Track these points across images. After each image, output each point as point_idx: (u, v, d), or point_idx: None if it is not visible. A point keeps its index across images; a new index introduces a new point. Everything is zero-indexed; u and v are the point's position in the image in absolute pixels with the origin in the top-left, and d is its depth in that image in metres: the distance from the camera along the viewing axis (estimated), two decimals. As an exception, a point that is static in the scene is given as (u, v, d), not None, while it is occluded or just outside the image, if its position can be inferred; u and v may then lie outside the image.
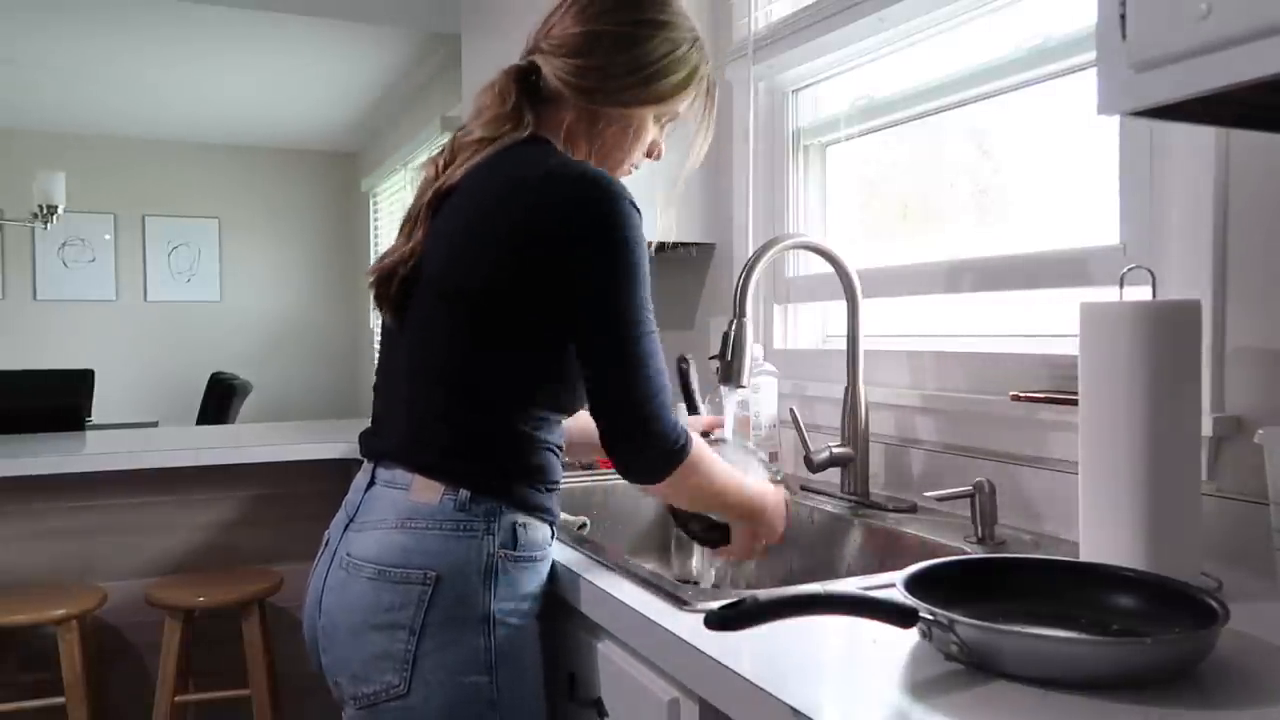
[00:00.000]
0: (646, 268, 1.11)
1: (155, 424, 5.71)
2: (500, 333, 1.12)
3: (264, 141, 6.67)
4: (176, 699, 2.24)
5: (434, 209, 1.18)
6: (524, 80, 1.20)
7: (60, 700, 2.14)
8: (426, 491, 1.11)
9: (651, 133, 1.26)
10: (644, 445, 1.10)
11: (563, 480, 1.21)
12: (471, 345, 1.12)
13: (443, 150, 1.23)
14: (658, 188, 1.52)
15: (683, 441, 1.11)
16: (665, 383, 1.11)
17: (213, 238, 6.71)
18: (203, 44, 4.52)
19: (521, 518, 1.13)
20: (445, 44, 4.36)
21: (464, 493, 1.11)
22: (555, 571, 1.21)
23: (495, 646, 1.09)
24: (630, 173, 1.28)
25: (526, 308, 1.10)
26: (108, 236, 6.46)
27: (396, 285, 1.18)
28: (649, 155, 1.29)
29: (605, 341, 1.09)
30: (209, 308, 6.72)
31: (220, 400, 5.51)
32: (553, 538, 1.20)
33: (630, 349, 1.08)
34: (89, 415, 4.84)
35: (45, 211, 4.90)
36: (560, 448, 1.20)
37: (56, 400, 4.14)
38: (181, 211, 6.63)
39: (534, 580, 1.15)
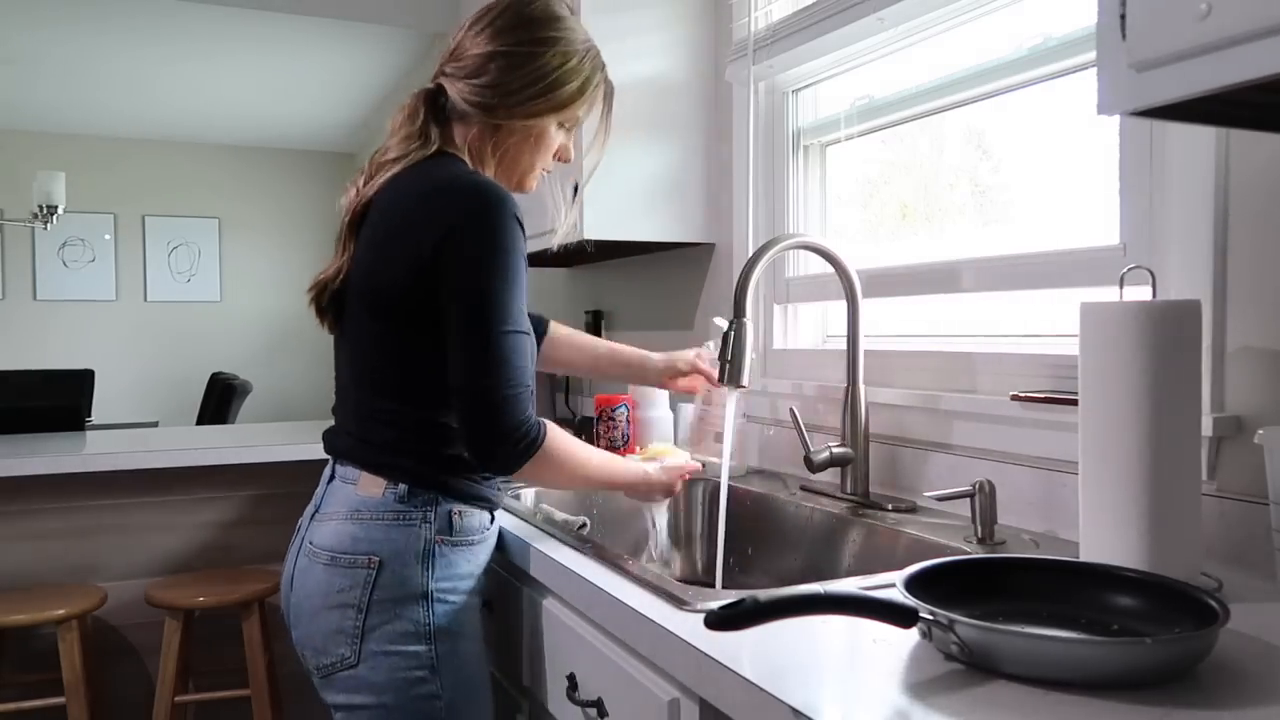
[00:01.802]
0: (522, 274, 1.20)
1: (155, 424, 5.71)
2: (419, 335, 1.21)
3: (264, 141, 6.67)
4: (176, 699, 2.24)
5: (356, 225, 1.29)
6: (433, 102, 1.31)
7: (60, 700, 2.14)
8: (372, 486, 1.24)
9: (557, 139, 1.36)
10: (496, 437, 1.18)
11: None
12: (397, 348, 1.23)
13: (363, 170, 1.33)
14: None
15: (534, 434, 1.20)
16: (525, 380, 1.19)
17: (213, 238, 6.71)
18: (203, 44, 4.51)
19: (459, 506, 1.26)
20: (445, 44, 4.36)
21: (403, 487, 1.23)
22: (558, 572, 1.21)
23: (433, 621, 1.22)
24: (541, 176, 1.39)
25: (436, 309, 1.20)
26: (108, 236, 6.45)
27: (328, 298, 1.30)
28: (558, 159, 1.39)
29: (471, 333, 1.17)
30: (209, 308, 6.72)
31: (220, 400, 5.50)
32: (492, 521, 1.33)
33: (494, 343, 1.17)
34: (89, 415, 4.84)
35: (45, 211, 4.90)
36: None
37: (56, 400, 4.14)
38: (181, 211, 6.63)
39: (471, 562, 1.27)
